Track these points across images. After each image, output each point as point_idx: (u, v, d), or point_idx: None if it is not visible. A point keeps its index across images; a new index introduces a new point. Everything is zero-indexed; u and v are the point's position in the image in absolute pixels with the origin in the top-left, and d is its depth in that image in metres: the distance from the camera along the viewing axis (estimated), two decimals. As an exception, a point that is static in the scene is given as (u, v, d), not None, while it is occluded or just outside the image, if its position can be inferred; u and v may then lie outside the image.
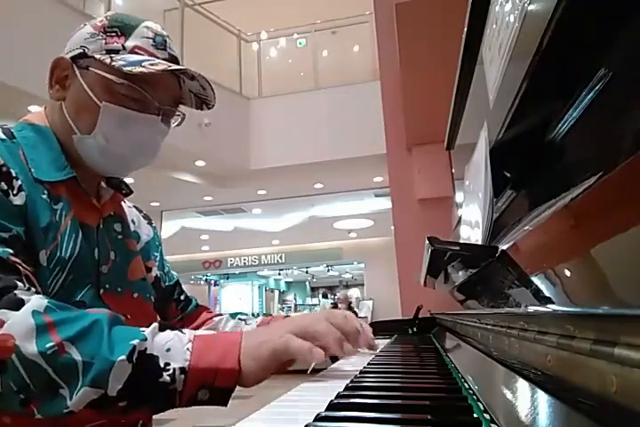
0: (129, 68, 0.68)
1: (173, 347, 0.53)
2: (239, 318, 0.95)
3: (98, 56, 0.71)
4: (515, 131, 0.51)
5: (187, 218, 9.47)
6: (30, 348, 0.49)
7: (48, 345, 0.49)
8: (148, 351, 0.52)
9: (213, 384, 0.52)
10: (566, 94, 0.35)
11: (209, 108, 0.81)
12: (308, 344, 0.54)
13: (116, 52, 0.71)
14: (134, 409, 0.51)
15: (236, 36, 8.03)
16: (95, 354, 0.50)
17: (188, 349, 0.53)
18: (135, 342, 0.51)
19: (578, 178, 0.28)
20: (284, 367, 0.63)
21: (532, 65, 0.39)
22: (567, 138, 0.36)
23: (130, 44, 0.72)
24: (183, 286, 0.99)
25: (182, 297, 0.96)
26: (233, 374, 0.52)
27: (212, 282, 13.94)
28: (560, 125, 0.37)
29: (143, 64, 0.69)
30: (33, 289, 0.57)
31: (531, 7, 0.40)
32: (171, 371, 0.51)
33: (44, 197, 0.67)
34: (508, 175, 0.57)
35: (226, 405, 0.53)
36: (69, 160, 0.73)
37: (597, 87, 0.30)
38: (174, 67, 0.72)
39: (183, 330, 0.57)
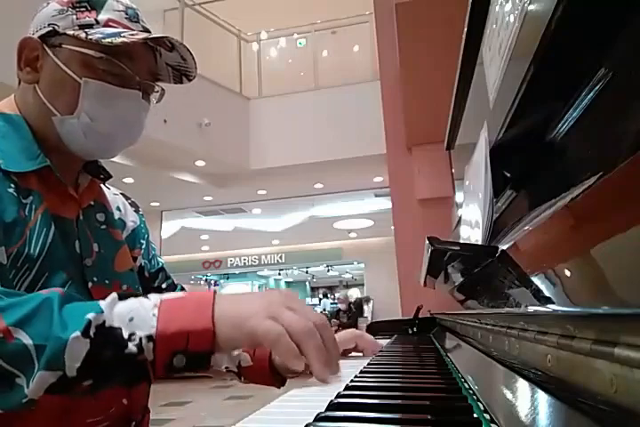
0: (109, 40, 0.65)
1: (137, 315, 0.48)
2: None
3: (71, 32, 0.68)
4: (515, 131, 0.51)
5: (187, 218, 9.47)
6: None
7: None
8: (107, 324, 0.47)
9: (187, 349, 0.47)
10: (566, 94, 0.35)
11: (189, 81, 0.77)
12: (295, 350, 0.47)
13: (90, 26, 0.68)
14: (103, 387, 0.47)
15: (236, 36, 8.04)
16: (47, 335, 0.45)
17: (153, 314, 0.48)
18: (90, 315, 0.47)
19: (578, 178, 0.28)
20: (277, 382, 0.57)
21: (532, 65, 0.39)
22: (567, 138, 0.36)
23: (103, 17, 0.69)
24: (176, 281, 0.94)
25: (164, 285, 0.90)
26: (206, 335, 0.47)
27: (212, 282, 13.94)
28: (560, 125, 0.37)
29: (122, 35, 0.67)
30: None
31: (531, 7, 0.40)
32: (137, 340, 0.47)
33: (11, 190, 0.63)
34: (508, 175, 0.57)
35: (206, 369, 0.49)
36: (44, 148, 0.69)
37: (597, 87, 0.30)
38: (156, 35, 0.69)
39: (148, 296, 0.52)
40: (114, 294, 0.51)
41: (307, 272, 14.32)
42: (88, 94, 0.68)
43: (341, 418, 0.35)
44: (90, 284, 0.70)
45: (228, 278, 13.77)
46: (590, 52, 0.31)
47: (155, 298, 0.51)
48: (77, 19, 0.69)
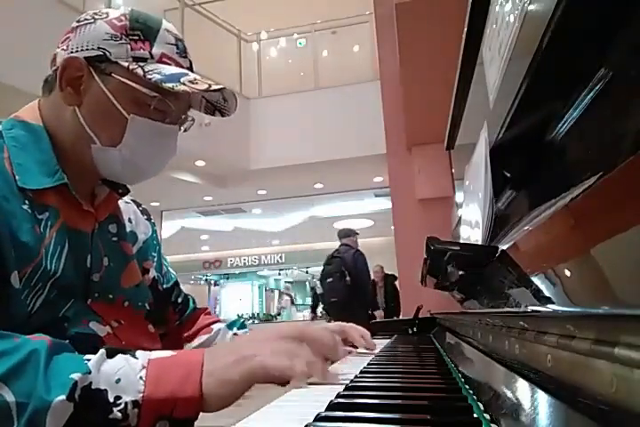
0: (170, 85, 0.64)
1: (124, 377, 0.47)
2: (234, 334, 0.90)
3: (125, 64, 0.66)
4: (515, 131, 0.51)
5: (187, 218, 9.47)
6: None
7: None
8: (93, 386, 0.45)
9: (172, 415, 0.46)
10: (566, 94, 0.35)
11: (222, 116, 0.78)
12: (287, 363, 0.48)
13: (144, 60, 0.67)
14: None
15: (236, 36, 8.03)
16: (30, 393, 0.43)
17: (141, 377, 0.47)
18: (76, 376, 0.45)
19: (578, 178, 0.28)
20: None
21: (531, 65, 0.39)
22: (567, 138, 0.36)
23: (156, 51, 0.68)
24: (182, 287, 0.95)
25: (180, 299, 0.91)
26: (194, 402, 0.46)
27: (212, 282, 13.94)
28: (560, 125, 0.37)
29: (182, 80, 0.66)
30: None
31: (531, 7, 0.40)
32: (122, 406, 0.45)
33: (25, 207, 0.61)
34: (508, 175, 0.57)
35: None
36: (62, 162, 0.67)
37: (597, 87, 0.30)
38: (215, 87, 0.68)
39: (136, 353, 0.50)
40: (102, 351, 0.49)
41: (307, 272, 14.31)
42: (133, 130, 0.67)
43: (341, 418, 0.35)
44: (89, 300, 0.68)
45: (228, 278, 13.77)
46: (590, 52, 0.31)
47: (142, 357, 0.49)
48: (132, 49, 0.67)
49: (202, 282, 13.80)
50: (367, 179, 7.56)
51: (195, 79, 0.68)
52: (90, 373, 0.46)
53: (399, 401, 0.42)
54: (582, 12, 0.31)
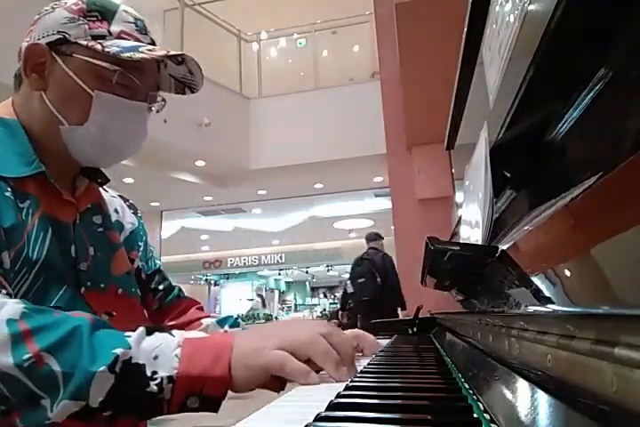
0: (128, 55, 0.66)
1: (161, 354, 0.51)
2: (225, 331, 0.90)
3: (84, 42, 0.67)
4: (515, 131, 0.51)
5: (187, 218, 9.48)
6: (6, 360, 0.46)
7: (25, 357, 0.47)
8: (133, 360, 0.49)
9: (202, 392, 0.50)
10: (566, 94, 0.35)
11: (192, 92, 0.78)
12: (305, 368, 0.52)
13: (103, 37, 0.68)
14: (120, 418, 0.50)
15: (236, 36, 8.04)
16: (75, 364, 0.47)
17: (176, 355, 0.51)
18: (119, 350, 0.49)
19: (578, 178, 0.28)
20: (276, 385, 0.61)
21: (531, 65, 0.39)
22: (567, 138, 0.36)
23: (115, 29, 0.69)
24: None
25: (161, 287, 0.91)
26: (223, 382, 0.50)
27: (212, 282, 13.95)
28: (560, 125, 0.37)
29: (141, 50, 0.67)
30: (4, 291, 0.55)
31: (531, 7, 0.40)
32: (158, 380, 0.49)
33: (8, 194, 0.63)
34: (508, 175, 0.57)
35: (216, 411, 0.52)
36: (40, 153, 0.69)
37: (597, 87, 0.30)
38: (175, 53, 0.69)
39: (173, 332, 0.54)
40: (142, 329, 0.53)
41: (307, 272, 14.33)
42: (99, 107, 0.68)
43: (341, 418, 0.35)
44: (83, 289, 0.70)
45: (228, 278, 13.78)
46: (590, 52, 0.31)
47: (179, 336, 0.53)
48: (90, 29, 0.69)
49: (202, 282, 13.81)
50: (367, 179, 7.57)
51: (153, 48, 0.69)
52: (130, 348, 0.50)
53: (399, 401, 0.42)
54: (582, 12, 0.31)
